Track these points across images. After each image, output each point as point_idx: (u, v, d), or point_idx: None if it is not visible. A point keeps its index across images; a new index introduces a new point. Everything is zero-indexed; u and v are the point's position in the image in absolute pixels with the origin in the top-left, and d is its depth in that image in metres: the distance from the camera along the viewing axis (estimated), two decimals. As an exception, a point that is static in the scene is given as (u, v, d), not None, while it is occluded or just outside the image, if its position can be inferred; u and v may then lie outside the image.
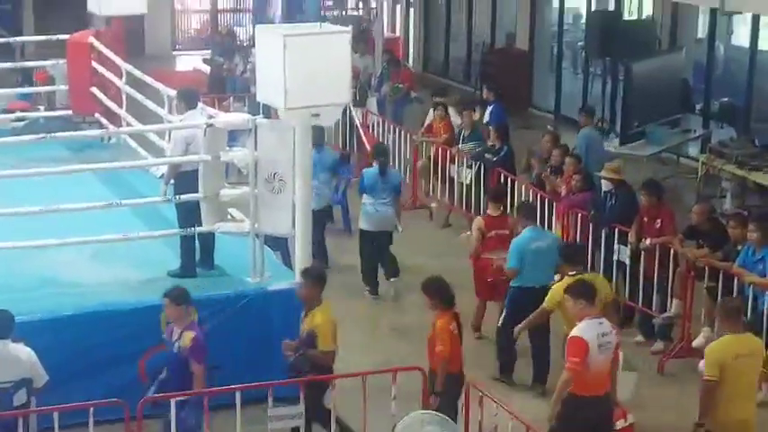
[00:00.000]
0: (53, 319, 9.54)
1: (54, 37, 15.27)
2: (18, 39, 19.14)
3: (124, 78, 13.86)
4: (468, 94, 21.66)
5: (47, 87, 16.48)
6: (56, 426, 8.26)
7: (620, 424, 8.96)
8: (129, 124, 13.58)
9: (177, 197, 10.44)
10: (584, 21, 21.84)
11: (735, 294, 10.85)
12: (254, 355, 9.84)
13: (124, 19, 15.11)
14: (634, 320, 12.26)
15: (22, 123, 15.07)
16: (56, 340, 9.27)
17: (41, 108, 16.30)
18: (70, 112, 15.06)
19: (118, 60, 13.99)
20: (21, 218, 10.24)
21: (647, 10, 20.35)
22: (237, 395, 8.72)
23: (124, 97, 13.88)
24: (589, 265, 12.47)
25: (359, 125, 17.33)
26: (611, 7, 20.30)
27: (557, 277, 10.71)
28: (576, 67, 22.72)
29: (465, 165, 15.29)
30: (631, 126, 16.74)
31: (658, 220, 11.82)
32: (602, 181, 12.67)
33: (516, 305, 10.84)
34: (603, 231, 12.44)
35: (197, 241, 10.54)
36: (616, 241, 12.21)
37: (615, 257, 12.26)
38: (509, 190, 14.28)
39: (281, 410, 8.86)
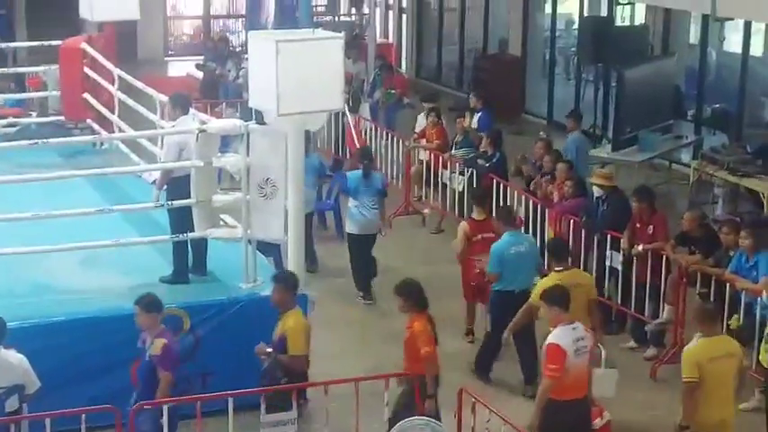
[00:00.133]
0: (45, 325, 9.53)
1: (46, 43, 15.26)
2: (11, 44, 19.12)
3: (116, 84, 13.85)
4: (460, 99, 21.66)
5: (39, 93, 16.46)
6: (48, 432, 8.25)
7: (597, 423, 9.06)
8: (121, 130, 13.57)
9: (169, 203, 10.43)
10: (576, 27, 21.88)
11: (727, 300, 10.89)
12: (247, 361, 9.82)
13: (116, 24, 15.10)
14: (626, 326, 12.27)
15: (14, 129, 15.05)
16: (48, 346, 9.25)
17: (33, 114, 16.29)
18: (62, 117, 15.05)
19: (110, 66, 13.99)
20: (12, 223, 10.23)
21: (640, 16, 20.38)
22: (230, 401, 8.71)
23: (116, 103, 13.87)
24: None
25: (353, 130, 17.33)
26: (604, 13, 20.35)
27: (536, 278, 10.85)
28: (569, 73, 22.76)
29: (457, 171, 15.31)
30: (623, 132, 16.75)
31: (650, 227, 11.84)
32: (594, 187, 12.69)
33: (499, 309, 11.04)
34: (596, 237, 12.46)
35: (189, 247, 10.53)
36: (608, 247, 12.23)
37: (607, 263, 12.28)
38: (502, 196, 14.31)
39: (274, 417, 8.85)
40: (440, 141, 16.20)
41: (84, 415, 8.36)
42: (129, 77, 13.47)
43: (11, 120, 15.58)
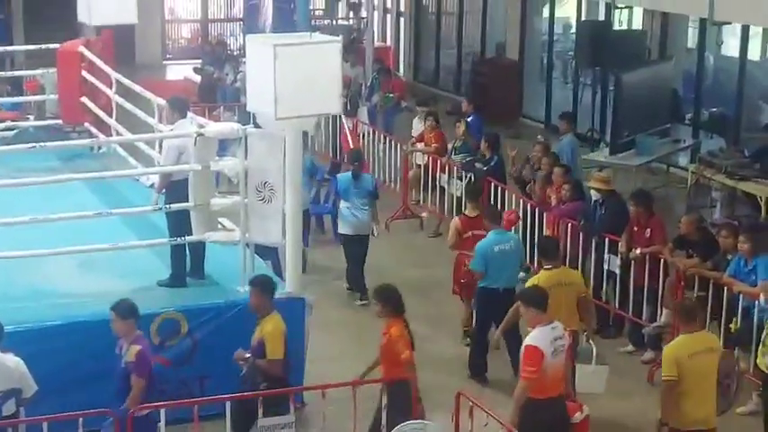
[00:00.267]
0: (42, 329, 9.51)
1: (44, 46, 15.25)
2: (8, 48, 19.11)
3: (114, 88, 13.84)
4: (458, 103, 21.65)
5: (37, 96, 16.46)
6: (45, 435, 8.25)
7: (577, 417, 9.11)
8: (119, 133, 13.56)
9: (168, 206, 10.43)
10: (574, 31, 21.90)
11: (725, 304, 10.90)
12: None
13: (114, 28, 15.09)
14: (624, 330, 12.28)
15: (11, 133, 15.04)
16: (45, 350, 9.23)
17: (31, 117, 16.27)
18: (60, 121, 15.04)
19: (108, 70, 13.98)
20: (10, 227, 10.22)
21: (637, 20, 20.40)
22: (227, 405, 8.70)
23: (114, 106, 13.87)
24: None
25: (348, 132, 17.34)
26: (602, 17, 20.34)
27: (521, 275, 11.03)
28: (566, 77, 22.78)
29: (455, 176, 15.31)
30: (621, 136, 16.76)
31: (648, 230, 11.84)
32: (592, 191, 12.70)
33: (484, 307, 11.20)
34: (594, 241, 12.47)
35: (187, 250, 10.53)
36: (606, 251, 12.23)
37: (605, 267, 12.28)
38: (500, 199, 14.31)
39: (271, 420, 8.84)
40: (438, 145, 16.20)
41: (81, 419, 8.35)
42: (126, 81, 13.47)
43: (8, 123, 15.57)
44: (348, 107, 17.70)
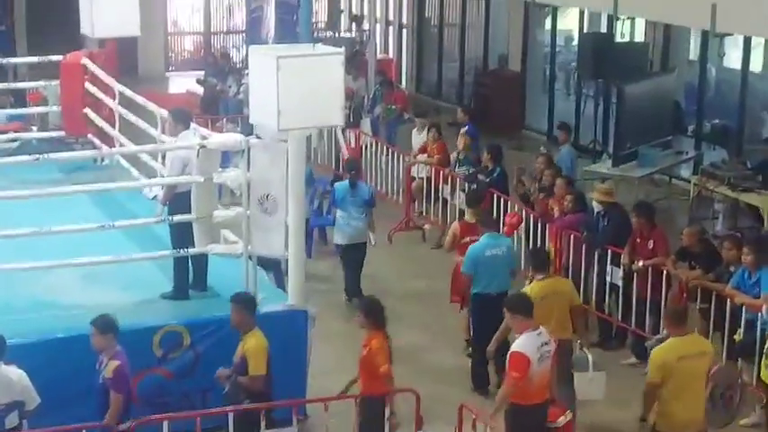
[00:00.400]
0: (45, 342, 9.51)
1: (47, 58, 15.27)
2: (11, 60, 19.13)
3: (117, 99, 13.86)
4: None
5: (40, 108, 16.47)
6: (47, 448, 8.25)
7: (561, 421, 9.18)
8: (122, 145, 13.57)
9: (170, 218, 10.43)
10: (576, 42, 21.91)
11: (728, 317, 10.89)
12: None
13: (118, 40, 15.11)
14: (627, 342, 12.26)
15: (15, 144, 15.05)
16: (48, 362, 9.24)
17: (34, 129, 16.28)
18: (63, 132, 15.05)
19: (111, 81, 13.99)
20: (13, 239, 10.22)
21: (640, 32, 20.42)
22: (230, 417, 8.70)
23: (117, 118, 13.88)
24: (582, 286, 12.52)
25: (342, 144, 17.35)
26: (604, 29, 20.36)
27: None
28: (569, 89, 22.79)
29: (458, 188, 15.32)
30: (624, 147, 16.77)
31: (650, 242, 11.84)
32: (594, 202, 12.70)
33: (479, 313, 11.24)
34: (596, 253, 12.46)
35: (190, 263, 10.53)
36: (609, 263, 12.23)
37: (608, 279, 12.28)
38: (502, 210, 14.31)
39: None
40: (440, 156, 16.21)
41: (84, 431, 8.35)
42: (129, 93, 13.48)
43: (11, 135, 15.58)
44: (351, 119, 17.72)
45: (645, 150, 16.82)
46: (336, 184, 14.01)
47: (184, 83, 25.30)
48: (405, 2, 27.00)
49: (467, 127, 16.79)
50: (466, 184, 15.17)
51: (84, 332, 9.58)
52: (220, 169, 10.39)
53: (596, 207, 12.64)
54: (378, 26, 25.50)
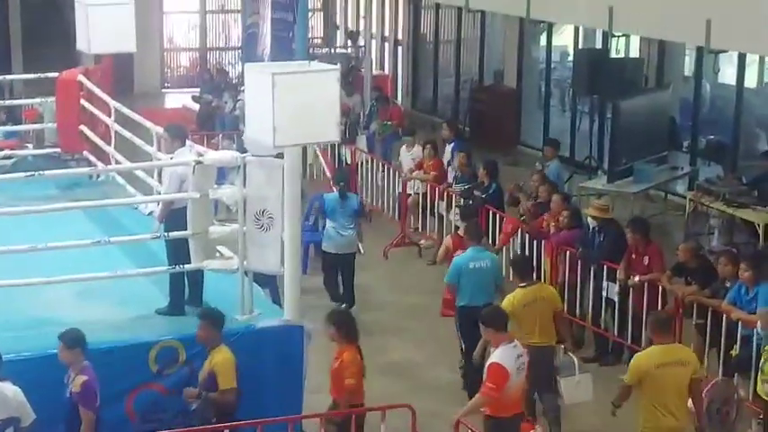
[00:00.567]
0: (40, 358, 9.46)
1: (43, 75, 15.28)
2: (7, 77, 19.15)
3: (113, 116, 13.86)
4: (456, 132, 21.65)
5: (35, 125, 16.48)
6: (43, 464, 8.23)
7: None
8: (117, 162, 13.57)
9: (166, 234, 10.42)
10: (571, 58, 21.95)
11: (724, 332, 10.89)
12: (243, 392, 9.79)
13: (113, 57, 15.13)
14: (623, 357, 12.25)
15: (10, 161, 15.05)
16: (43, 378, 9.20)
17: (30, 146, 16.29)
18: (59, 149, 15.05)
19: (107, 98, 14.00)
20: (8, 256, 10.21)
21: (634, 48, 20.47)
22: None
23: (113, 135, 13.88)
24: (578, 302, 12.54)
25: (320, 155, 17.38)
26: (599, 45, 20.42)
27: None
28: (564, 105, 22.83)
29: (455, 205, 15.33)
30: (619, 163, 16.79)
31: (646, 258, 11.86)
32: (589, 218, 12.72)
33: (465, 325, 11.27)
34: (592, 268, 12.47)
35: (186, 279, 10.52)
36: (605, 278, 12.24)
37: (604, 294, 12.29)
38: (498, 226, 14.32)
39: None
40: (436, 173, 16.23)
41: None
42: (125, 110, 13.49)
43: (7, 152, 15.58)
44: (347, 135, 17.74)
45: (640, 166, 16.84)
46: (326, 196, 14.24)
47: (180, 99, 25.33)
48: (400, 18, 27.06)
49: (452, 143, 16.85)
50: (462, 200, 15.19)
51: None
52: (216, 185, 10.39)
53: (591, 223, 12.66)
54: (373, 42, 25.53)
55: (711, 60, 16.34)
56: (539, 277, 12.63)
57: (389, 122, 19.93)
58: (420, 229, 16.56)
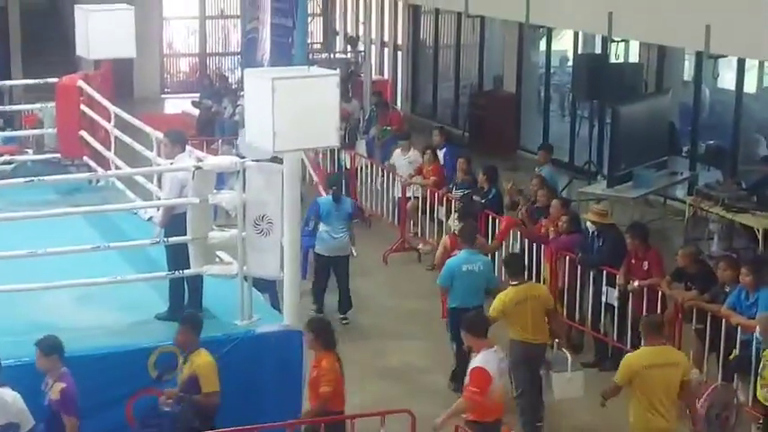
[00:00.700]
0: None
1: (43, 80, 15.29)
2: (6, 82, 19.15)
3: (113, 121, 13.87)
4: (455, 136, 21.69)
5: (35, 131, 16.49)
6: (42, 470, 8.22)
7: None
8: (117, 167, 13.58)
9: (166, 239, 10.43)
10: (571, 64, 21.97)
11: (723, 337, 10.88)
12: (243, 398, 9.79)
13: (113, 62, 15.14)
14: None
15: (10, 167, 15.05)
16: (42, 384, 9.21)
17: (30, 151, 16.28)
18: (59, 155, 15.05)
19: (106, 103, 14.01)
20: (8, 261, 10.21)
21: (634, 53, 20.48)
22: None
23: (113, 140, 13.89)
24: (577, 306, 12.54)
25: (308, 163, 17.39)
26: (598, 50, 20.43)
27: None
28: (564, 110, 22.85)
29: (454, 209, 15.33)
30: (618, 168, 16.79)
31: (646, 263, 11.86)
32: (588, 223, 12.72)
33: (456, 327, 11.18)
34: (591, 273, 12.47)
35: (185, 284, 10.52)
36: (604, 283, 12.24)
37: (603, 299, 12.29)
38: (497, 231, 14.31)
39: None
40: (436, 178, 16.24)
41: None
42: (125, 115, 13.50)
43: (7, 157, 15.58)
44: (347, 140, 17.75)
45: (639, 171, 16.84)
46: (320, 199, 14.36)
47: (180, 104, 25.34)
48: (400, 23, 27.08)
49: (444, 149, 16.87)
50: (461, 205, 15.19)
51: (77, 354, 9.60)
52: (215, 191, 10.40)
53: (590, 227, 12.66)
54: (373, 47, 25.55)
55: (711, 65, 16.36)
56: (537, 281, 12.65)
57: (389, 127, 19.94)
58: (419, 234, 16.56)
